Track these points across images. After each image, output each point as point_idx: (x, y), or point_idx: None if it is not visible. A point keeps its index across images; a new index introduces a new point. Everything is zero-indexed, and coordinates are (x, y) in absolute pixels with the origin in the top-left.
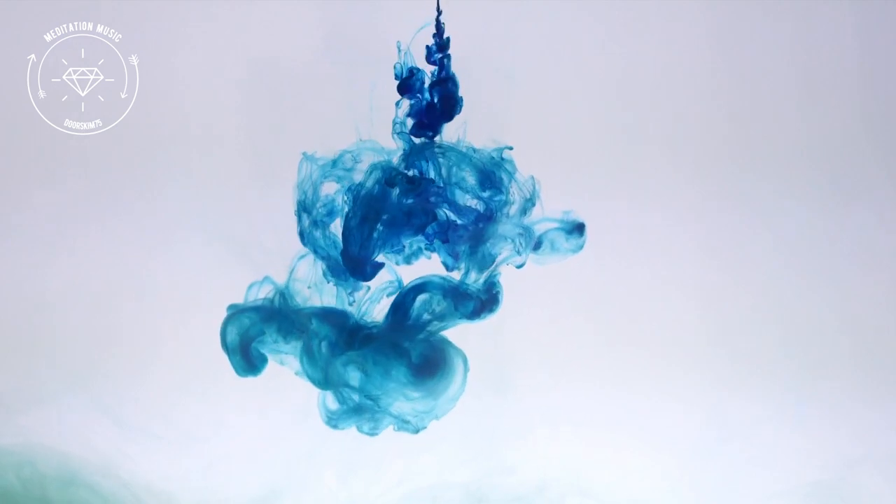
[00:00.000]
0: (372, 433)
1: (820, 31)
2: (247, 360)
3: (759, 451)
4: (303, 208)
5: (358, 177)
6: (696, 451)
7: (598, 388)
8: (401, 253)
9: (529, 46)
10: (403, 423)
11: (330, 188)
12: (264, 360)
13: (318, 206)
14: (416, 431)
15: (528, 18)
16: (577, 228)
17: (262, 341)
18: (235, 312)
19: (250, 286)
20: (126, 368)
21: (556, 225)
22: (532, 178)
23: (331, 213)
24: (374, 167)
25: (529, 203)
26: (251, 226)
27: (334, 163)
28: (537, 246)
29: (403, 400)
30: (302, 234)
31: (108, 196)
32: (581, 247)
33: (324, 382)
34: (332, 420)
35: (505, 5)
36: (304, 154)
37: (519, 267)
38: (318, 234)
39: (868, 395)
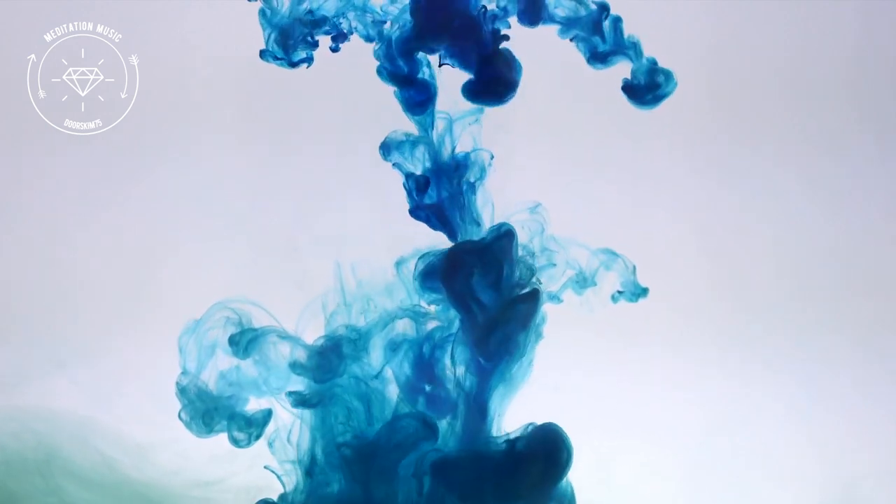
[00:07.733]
0: None
1: (818, 24)
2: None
3: (769, 466)
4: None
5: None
6: (708, 462)
7: (602, 391)
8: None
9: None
10: None
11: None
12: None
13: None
14: None
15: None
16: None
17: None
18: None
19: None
20: (115, 353)
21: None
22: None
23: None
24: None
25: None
26: (252, 224)
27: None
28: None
29: None
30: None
31: (108, 196)
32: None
33: None
34: None
35: None
36: (337, 263)
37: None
38: None
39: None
